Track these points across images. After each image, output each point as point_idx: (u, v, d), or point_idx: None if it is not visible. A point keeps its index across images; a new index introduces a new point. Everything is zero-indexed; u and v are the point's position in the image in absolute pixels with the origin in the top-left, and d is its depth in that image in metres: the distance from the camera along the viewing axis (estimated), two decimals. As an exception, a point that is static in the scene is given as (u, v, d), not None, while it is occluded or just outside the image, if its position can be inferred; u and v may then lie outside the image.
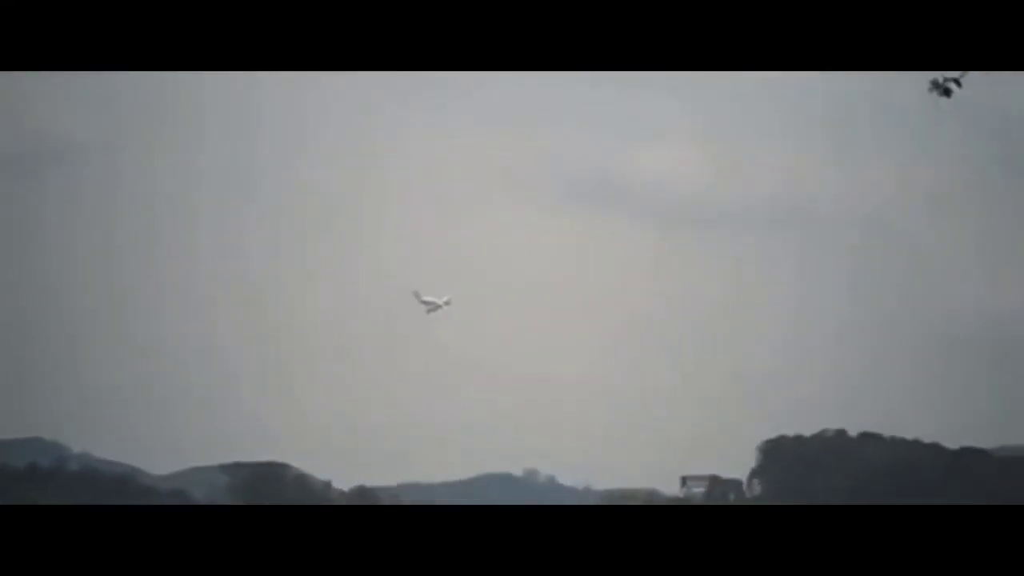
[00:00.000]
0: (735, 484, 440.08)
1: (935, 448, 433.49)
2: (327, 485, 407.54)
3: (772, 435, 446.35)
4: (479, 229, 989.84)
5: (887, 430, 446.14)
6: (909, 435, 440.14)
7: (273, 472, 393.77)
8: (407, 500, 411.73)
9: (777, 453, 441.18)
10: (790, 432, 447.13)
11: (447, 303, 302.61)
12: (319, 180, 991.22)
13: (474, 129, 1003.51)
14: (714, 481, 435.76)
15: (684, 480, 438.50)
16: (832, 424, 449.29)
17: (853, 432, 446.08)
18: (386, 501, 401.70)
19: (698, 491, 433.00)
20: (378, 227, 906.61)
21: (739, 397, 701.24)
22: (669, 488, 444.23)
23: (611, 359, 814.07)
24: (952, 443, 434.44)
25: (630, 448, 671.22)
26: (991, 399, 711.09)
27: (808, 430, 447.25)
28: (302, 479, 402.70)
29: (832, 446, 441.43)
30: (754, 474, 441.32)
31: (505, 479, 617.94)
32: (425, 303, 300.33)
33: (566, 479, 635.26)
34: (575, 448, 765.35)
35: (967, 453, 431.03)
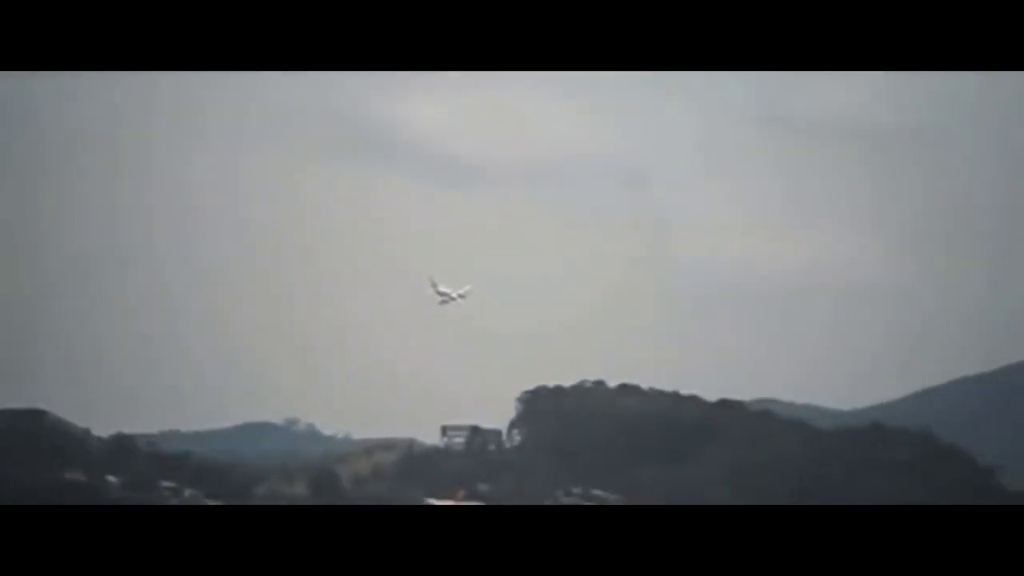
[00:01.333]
0: (495, 434, 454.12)
1: (693, 400, 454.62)
2: (87, 432, 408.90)
3: (531, 386, 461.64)
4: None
5: (646, 381, 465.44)
6: (668, 387, 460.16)
7: (30, 419, 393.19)
8: (165, 448, 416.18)
9: (536, 404, 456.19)
10: (550, 383, 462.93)
11: (462, 296, 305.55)
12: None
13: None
14: (474, 432, 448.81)
15: (444, 430, 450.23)
16: (591, 375, 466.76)
17: (612, 383, 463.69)
18: (144, 448, 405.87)
19: (458, 441, 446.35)
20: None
21: (498, 348, 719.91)
22: (430, 438, 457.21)
23: (371, 308, 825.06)
24: (710, 395, 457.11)
25: (391, 398, 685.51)
26: (748, 352, 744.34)
27: (567, 381, 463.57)
28: (60, 425, 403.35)
29: (591, 397, 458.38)
30: (513, 424, 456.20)
31: (265, 427, 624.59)
32: (441, 294, 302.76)
33: (326, 428, 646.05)
34: (335, 397, 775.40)
35: (724, 405, 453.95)
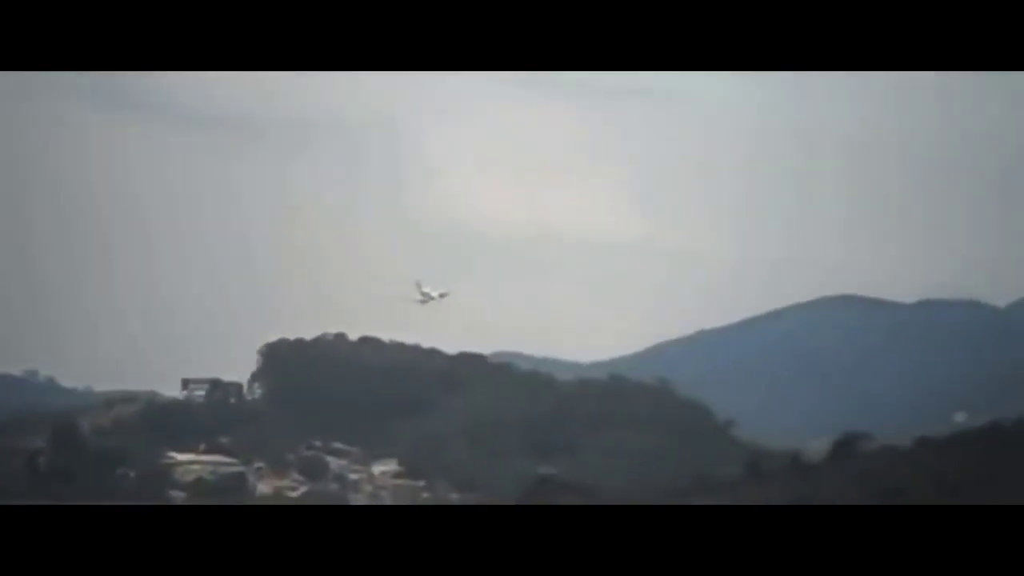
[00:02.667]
0: (236, 387, 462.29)
1: (435, 352, 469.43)
2: None
3: (273, 338, 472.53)
4: None
5: (387, 334, 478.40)
6: (409, 340, 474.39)
7: None
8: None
9: (278, 356, 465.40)
10: (291, 336, 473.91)
11: (442, 296, 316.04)
12: None
13: None
14: (215, 385, 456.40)
15: (186, 383, 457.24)
16: (333, 328, 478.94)
17: (353, 336, 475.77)
18: None
19: (199, 394, 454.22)
20: None
21: (239, 301, 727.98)
22: (171, 390, 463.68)
23: (109, 260, 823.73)
24: (451, 348, 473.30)
25: (132, 350, 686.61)
26: (490, 305, 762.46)
27: (309, 334, 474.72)
28: None
29: (332, 350, 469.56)
30: (255, 377, 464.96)
31: (3, 379, 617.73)
32: (423, 295, 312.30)
33: (66, 381, 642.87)
34: (75, 349, 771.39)
35: (465, 358, 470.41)
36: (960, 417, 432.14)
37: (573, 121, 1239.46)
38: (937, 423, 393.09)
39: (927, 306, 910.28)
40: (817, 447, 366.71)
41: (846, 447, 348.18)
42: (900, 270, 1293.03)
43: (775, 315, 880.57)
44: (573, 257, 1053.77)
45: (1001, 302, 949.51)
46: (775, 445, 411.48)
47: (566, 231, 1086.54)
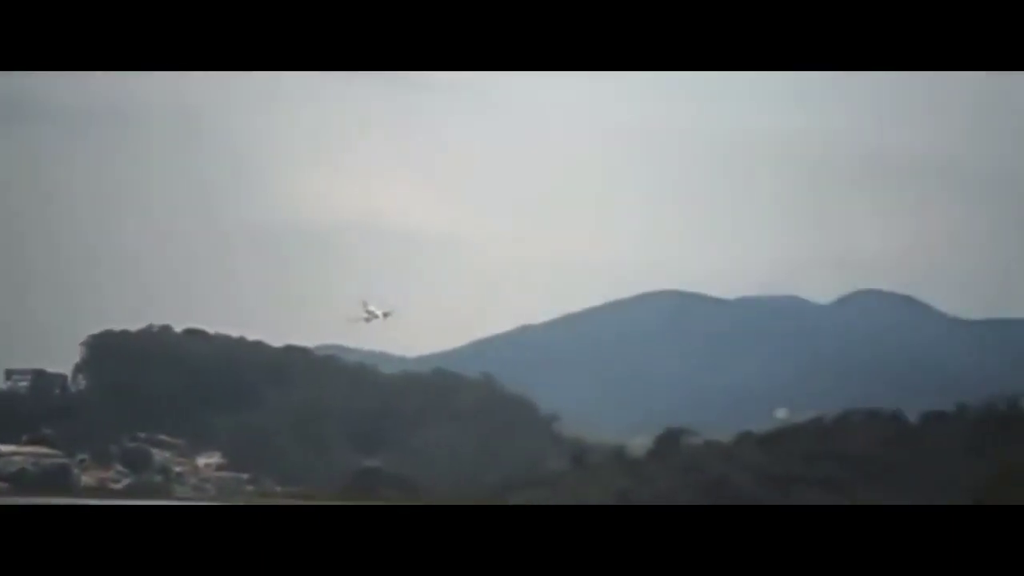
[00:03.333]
0: (60, 378, 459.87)
1: (259, 345, 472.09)
2: None
3: (97, 330, 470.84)
4: None
5: (212, 326, 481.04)
6: (235, 332, 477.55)
7: None
8: None
9: (102, 348, 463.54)
10: (116, 327, 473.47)
11: (387, 315, 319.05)
12: None
13: None
14: (39, 375, 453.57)
15: (9, 373, 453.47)
16: (158, 320, 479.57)
17: (179, 328, 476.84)
18: None
19: (23, 384, 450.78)
20: None
21: (63, 291, 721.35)
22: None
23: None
24: (277, 340, 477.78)
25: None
26: (312, 297, 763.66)
27: (134, 325, 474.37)
28: None
29: (157, 341, 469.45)
30: (79, 368, 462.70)
31: None
32: (368, 312, 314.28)
33: None
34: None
35: (290, 350, 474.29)
36: (782, 413, 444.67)
37: (398, 116, 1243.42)
38: (759, 418, 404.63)
39: (750, 302, 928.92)
40: (641, 442, 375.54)
41: (669, 441, 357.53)
42: (723, 266, 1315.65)
43: (598, 311, 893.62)
44: (398, 252, 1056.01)
45: (823, 299, 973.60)
46: (599, 439, 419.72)
47: (391, 226, 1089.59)
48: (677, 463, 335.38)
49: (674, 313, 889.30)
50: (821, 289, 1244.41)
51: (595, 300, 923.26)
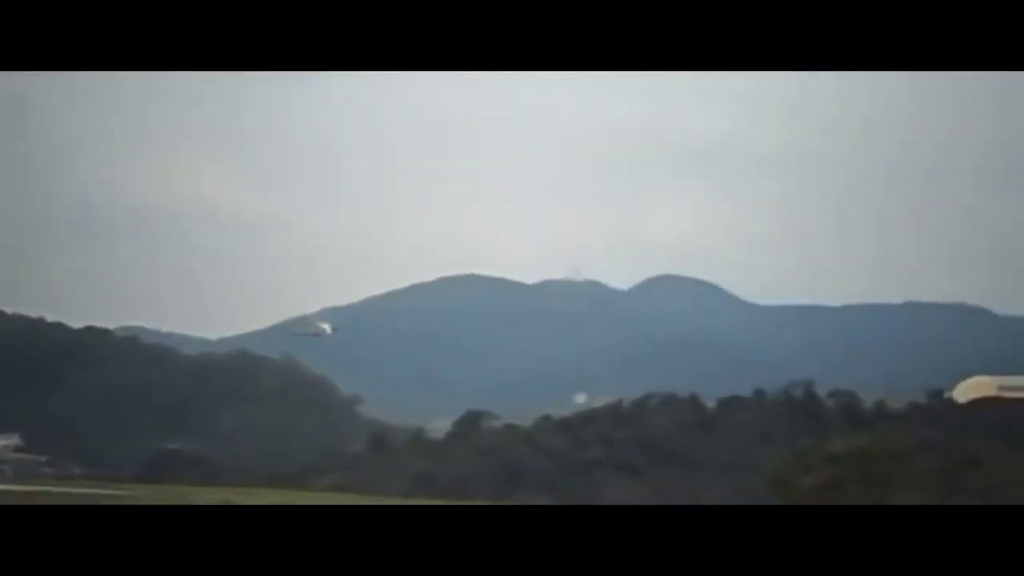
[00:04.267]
0: None
1: (58, 326, 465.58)
2: None
3: None
4: None
5: (12, 307, 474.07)
6: (33, 313, 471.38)
7: None
8: None
9: None
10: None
11: (335, 330, 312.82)
12: None
13: None
14: None
15: None
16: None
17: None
18: None
19: None
20: None
21: None
22: None
23: None
24: (77, 322, 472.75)
25: None
26: (127, 282, 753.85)
27: None
28: None
29: None
30: None
31: None
32: (317, 328, 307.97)
33: None
34: None
35: (91, 331, 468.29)
36: (581, 397, 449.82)
37: (223, 101, 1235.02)
38: (559, 402, 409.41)
39: (551, 287, 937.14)
40: (440, 425, 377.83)
41: (469, 424, 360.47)
42: (524, 252, 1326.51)
43: (400, 294, 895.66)
44: (203, 235, 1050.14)
45: (623, 285, 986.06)
46: (400, 422, 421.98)
47: (198, 211, 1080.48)
48: (477, 446, 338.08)
49: (475, 297, 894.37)
50: (621, 275, 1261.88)
51: (397, 283, 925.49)
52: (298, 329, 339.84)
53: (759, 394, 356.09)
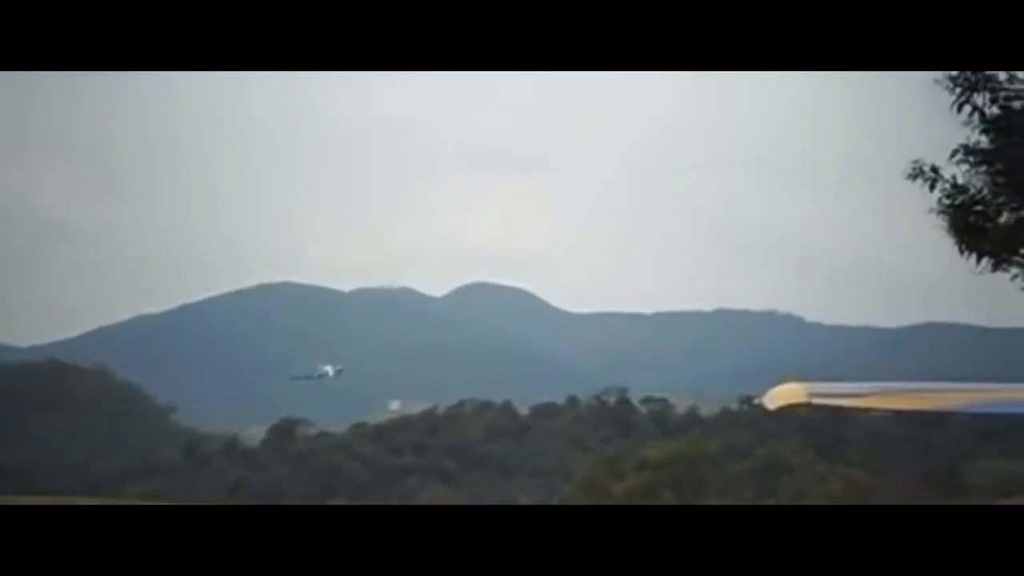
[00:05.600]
0: None
1: None
2: None
3: None
4: None
5: None
6: None
7: None
8: None
9: None
10: None
11: (338, 372, 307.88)
12: None
13: None
14: None
15: None
16: None
17: None
18: None
19: None
20: None
21: None
22: None
23: None
24: None
25: None
26: None
27: None
28: None
29: None
30: None
31: None
32: (322, 372, 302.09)
33: None
34: None
35: None
36: (395, 404, 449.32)
37: (32, 101, 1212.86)
38: (373, 410, 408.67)
39: (365, 294, 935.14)
40: (255, 432, 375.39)
41: (284, 432, 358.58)
42: (340, 259, 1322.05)
43: (216, 301, 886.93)
44: (20, 241, 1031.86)
45: (437, 291, 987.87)
46: (214, 429, 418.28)
47: (11, 214, 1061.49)
48: (291, 453, 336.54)
49: (290, 305, 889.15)
50: (435, 282, 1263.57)
51: (214, 290, 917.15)
52: (299, 373, 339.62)
53: (572, 401, 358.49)
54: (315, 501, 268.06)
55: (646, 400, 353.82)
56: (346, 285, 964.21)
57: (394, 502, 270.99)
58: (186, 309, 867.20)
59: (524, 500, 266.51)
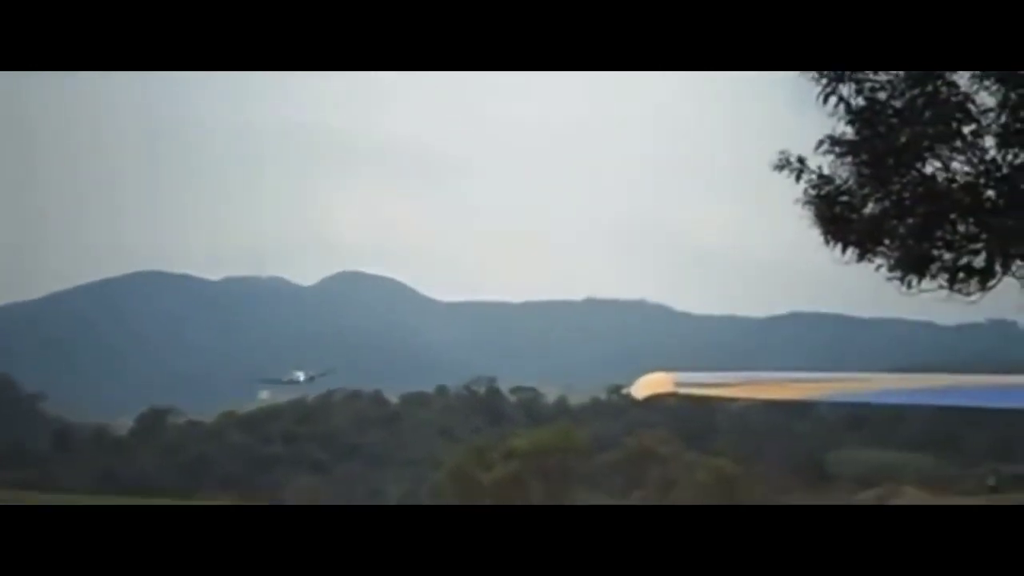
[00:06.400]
0: None
1: None
2: None
3: None
4: None
5: None
6: None
7: None
8: None
9: None
10: None
11: (309, 378, 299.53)
12: None
13: None
14: None
15: None
16: None
17: None
18: None
19: None
20: None
21: None
22: None
23: None
24: None
25: None
26: None
27: None
28: None
29: None
30: None
31: None
32: (293, 377, 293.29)
33: None
34: None
35: None
36: (264, 394, 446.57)
37: None
38: (243, 399, 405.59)
39: (234, 283, 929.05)
40: (123, 421, 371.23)
41: (152, 421, 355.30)
42: (209, 248, 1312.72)
43: (86, 289, 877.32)
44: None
45: (306, 280, 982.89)
46: (83, 419, 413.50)
47: None
48: (160, 443, 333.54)
49: (160, 293, 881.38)
50: (305, 271, 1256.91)
51: (84, 279, 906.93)
52: (270, 377, 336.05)
53: (442, 390, 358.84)
54: (183, 492, 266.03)
55: (516, 389, 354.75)
56: (214, 275, 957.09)
57: (264, 492, 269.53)
58: (56, 297, 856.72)
59: (393, 490, 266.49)
